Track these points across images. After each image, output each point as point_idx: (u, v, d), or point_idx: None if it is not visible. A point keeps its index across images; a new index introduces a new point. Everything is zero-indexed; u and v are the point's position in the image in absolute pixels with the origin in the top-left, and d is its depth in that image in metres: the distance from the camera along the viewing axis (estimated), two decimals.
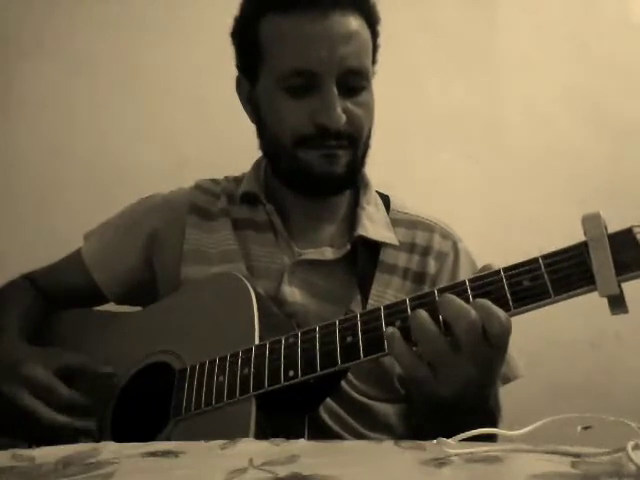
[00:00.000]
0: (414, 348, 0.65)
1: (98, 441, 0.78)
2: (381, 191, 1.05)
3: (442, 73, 1.68)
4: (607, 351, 1.61)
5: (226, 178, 1.07)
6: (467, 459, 0.47)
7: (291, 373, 0.70)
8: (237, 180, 1.05)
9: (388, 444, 0.54)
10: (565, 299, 0.61)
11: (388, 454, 0.52)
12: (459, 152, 1.66)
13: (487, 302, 0.62)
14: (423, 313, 0.63)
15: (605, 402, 1.47)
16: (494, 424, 0.77)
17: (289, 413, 0.75)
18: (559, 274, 0.62)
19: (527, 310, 0.63)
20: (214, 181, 1.06)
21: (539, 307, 0.62)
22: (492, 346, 0.62)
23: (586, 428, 0.52)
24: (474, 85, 1.69)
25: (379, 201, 1.02)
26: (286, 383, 0.70)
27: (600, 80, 1.69)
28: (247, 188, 0.99)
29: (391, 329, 0.65)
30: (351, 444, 0.61)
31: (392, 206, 1.02)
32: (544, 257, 0.63)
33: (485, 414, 0.72)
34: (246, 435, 0.68)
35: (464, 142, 1.67)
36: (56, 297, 1.05)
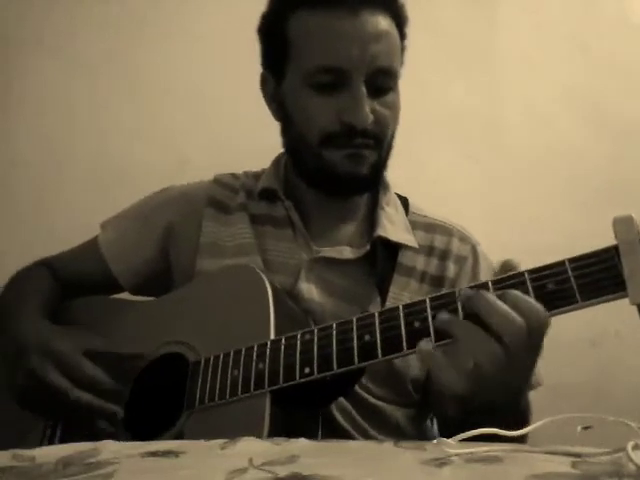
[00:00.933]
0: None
1: (117, 427, 0.79)
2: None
3: (442, 73, 1.68)
4: (608, 350, 1.61)
5: (245, 173, 1.06)
6: (467, 459, 0.47)
7: (307, 370, 0.69)
8: (256, 176, 1.04)
9: (388, 444, 0.54)
10: (594, 304, 0.59)
11: (388, 454, 0.52)
12: (459, 152, 1.66)
13: (514, 292, 0.61)
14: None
15: (605, 402, 1.47)
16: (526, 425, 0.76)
17: (302, 408, 0.74)
18: (587, 279, 0.60)
19: (551, 315, 0.61)
20: (233, 176, 1.05)
21: (564, 312, 0.61)
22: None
23: (586, 428, 0.52)
24: (474, 85, 1.69)
25: (398, 202, 1.01)
26: (301, 380, 0.69)
27: (600, 80, 1.69)
28: (266, 184, 0.98)
29: (426, 344, 0.63)
30: (351, 444, 0.61)
31: (410, 208, 1.01)
32: (571, 260, 0.61)
33: (516, 415, 0.70)
34: (260, 430, 0.68)
35: (464, 142, 1.67)
36: (70, 285, 1.05)
